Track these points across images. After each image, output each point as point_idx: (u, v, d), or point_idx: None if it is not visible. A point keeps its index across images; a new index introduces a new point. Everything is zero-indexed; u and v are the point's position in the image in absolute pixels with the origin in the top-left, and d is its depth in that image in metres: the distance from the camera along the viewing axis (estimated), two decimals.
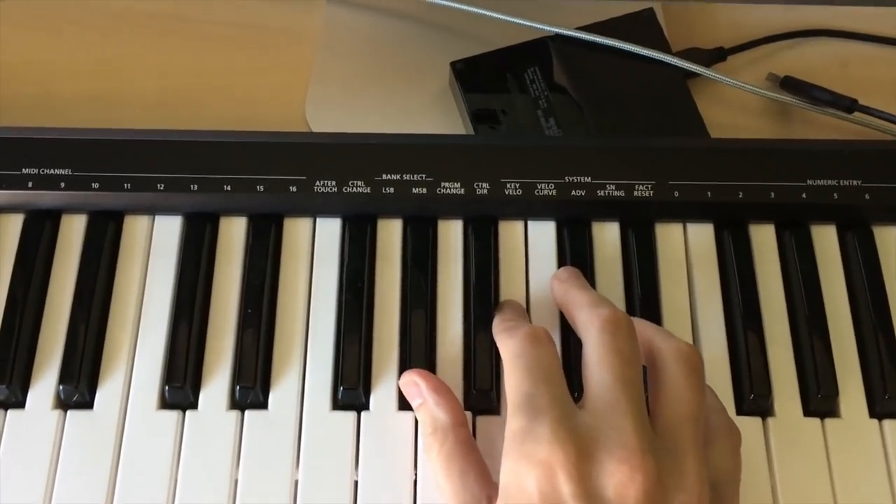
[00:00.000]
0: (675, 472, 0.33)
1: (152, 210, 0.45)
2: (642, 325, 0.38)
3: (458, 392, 0.42)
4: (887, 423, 0.41)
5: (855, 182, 0.44)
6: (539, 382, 0.35)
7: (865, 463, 0.40)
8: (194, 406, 0.42)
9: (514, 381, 0.36)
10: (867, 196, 0.44)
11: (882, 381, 0.42)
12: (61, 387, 0.41)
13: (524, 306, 0.44)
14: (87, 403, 0.42)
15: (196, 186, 0.44)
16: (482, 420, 0.41)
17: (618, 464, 0.33)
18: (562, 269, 0.43)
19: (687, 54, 0.52)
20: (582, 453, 0.33)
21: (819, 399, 0.41)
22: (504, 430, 0.35)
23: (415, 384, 0.40)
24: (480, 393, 0.41)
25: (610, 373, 0.35)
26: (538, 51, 0.52)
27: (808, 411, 0.42)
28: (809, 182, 0.44)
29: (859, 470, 0.40)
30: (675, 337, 0.38)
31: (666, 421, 0.35)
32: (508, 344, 0.37)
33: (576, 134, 0.50)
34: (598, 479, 0.33)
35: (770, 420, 0.41)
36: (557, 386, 0.36)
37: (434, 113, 0.53)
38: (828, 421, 0.41)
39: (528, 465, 0.33)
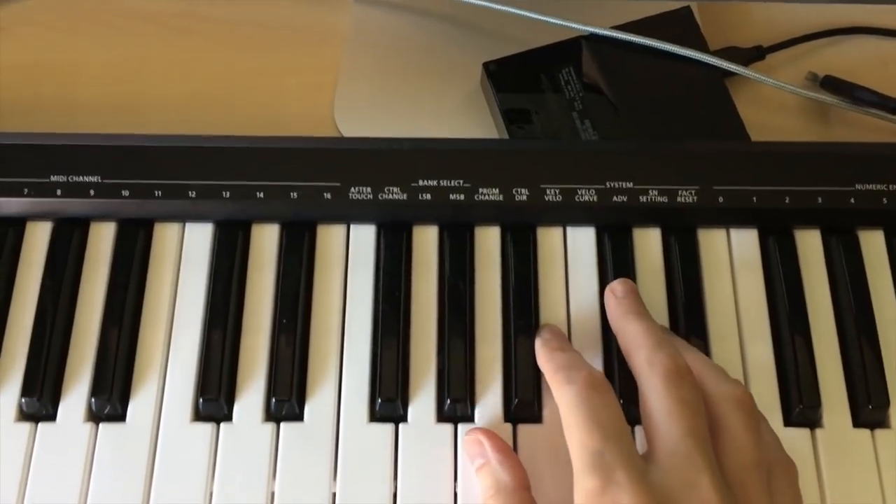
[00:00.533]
0: None
1: (183, 218, 0.44)
2: (692, 360, 0.38)
3: (498, 402, 0.41)
4: None
5: None
6: (607, 438, 0.34)
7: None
8: (229, 418, 0.41)
9: (578, 436, 0.35)
10: None
11: None
12: (93, 399, 0.41)
13: (565, 314, 0.42)
14: (120, 416, 0.41)
15: (228, 193, 0.43)
16: (523, 429, 0.40)
17: None
18: (618, 282, 0.41)
19: (725, 53, 0.51)
20: None
21: (870, 410, 0.40)
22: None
23: (479, 443, 0.39)
24: (522, 404, 0.40)
25: (679, 426, 0.34)
26: (572, 51, 0.51)
27: (857, 422, 0.41)
28: (858, 187, 0.43)
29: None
30: (726, 377, 0.37)
31: (731, 469, 0.35)
32: (567, 392, 0.36)
33: (612, 136, 0.48)
34: None
35: (818, 431, 0.40)
36: (626, 441, 0.34)
37: (465, 115, 0.52)
38: (878, 432, 0.40)
39: None
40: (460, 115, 0.52)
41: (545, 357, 0.40)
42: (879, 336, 0.42)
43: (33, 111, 0.52)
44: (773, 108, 0.52)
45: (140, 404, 0.41)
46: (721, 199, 0.43)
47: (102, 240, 0.44)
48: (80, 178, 0.43)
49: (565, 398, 0.36)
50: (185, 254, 0.44)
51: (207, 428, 0.40)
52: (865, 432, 0.40)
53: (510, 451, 0.39)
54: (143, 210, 0.44)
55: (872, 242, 0.44)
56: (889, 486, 0.39)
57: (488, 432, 0.39)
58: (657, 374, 0.36)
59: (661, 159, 0.43)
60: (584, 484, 0.34)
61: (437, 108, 0.52)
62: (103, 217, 0.44)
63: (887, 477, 0.40)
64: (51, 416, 0.41)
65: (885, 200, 0.43)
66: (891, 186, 0.43)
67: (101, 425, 0.41)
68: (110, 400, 0.40)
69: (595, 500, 0.33)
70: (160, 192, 0.43)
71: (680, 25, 0.52)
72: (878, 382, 0.41)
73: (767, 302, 0.43)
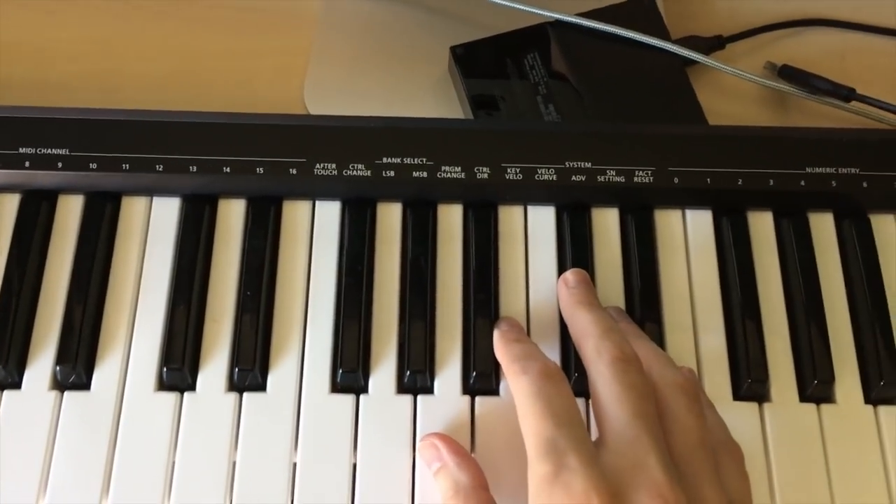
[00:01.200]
0: (698, 500, 0.34)
1: (150, 191, 0.45)
2: (640, 347, 0.39)
3: (457, 374, 0.42)
4: (882, 409, 0.42)
5: (853, 170, 0.44)
6: (560, 425, 0.35)
7: (860, 448, 0.41)
8: (192, 388, 0.42)
9: (532, 424, 0.36)
10: (865, 184, 0.44)
11: (878, 367, 0.42)
12: (58, 367, 0.41)
13: (524, 290, 0.44)
14: (85, 384, 0.41)
15: (195, 168, 0.44)
16: (482, 401, 0.41)
17: (651, 500, 0.33)
18: (571, 272, 0.42)
19: (686, 42, 0.52)
20: (616, 494, 0.33)
21: (815, 385, 0.41)
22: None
23: (434, 447, 0.39)
24: (481, 376, 0.41)
25: (627, 409, 0.35)
26: (538, 36, 0.52)
27: (804, 397, 0.42)
28: (808, 170, 0.44)
29: (854, 455, 0.41)
30: (671, 364, 0.38)
31: (678, 451, 0.36)
32: (522, 381, 0.37)
33: (575, 120, 0.50)
34: None
35: (766, 406, 0.42)
36: (578, 428, 0.35)
37: (433, 98, 0.53)
38: (823, 407, 0.42)
39: None
40: (428, 98, 0.53)
41: (502, 348, 0.40)
42: (826, 315, 0.43)
43: (6, 89, 0.52)
44: (732, 96, 0.53)
45: (105, 373, 0.42)
46: (676, 180, 0.44)
47: (70, 212, 0.44)
48: (49, 150, 0.43)
49: (520, 387, 0.37)
50: (151, 227, 0.44)
51: (171, 397, 0.41)
52: (811, 407, 0.42)
53: (465, 452, 0.39)
54: (110, 183, 0.44)
55: (822, 224, 0.45)
56: (833, 458, 0.41)
57: (443, 436, 0.40)
58: (604, 361, 0.37)
59: (619, 141, 0.45)
60: (537, 469, 0.34)
61: (405, 91, 0.53)
62: (71, 190, 0.45)
63: (832, 450, 0.41)
64: (16, 385, 0.41)
65: (833, 183, 0.44)
66: (840, 170, 0.44)
67: (65, 393, 0.41)
68: (75, 368, 0.41)
69: (548, 484, 0.34)
70: (128, 166, 0.43)
71: (643, 14, 0.53)
72: (823, 358, 0.42)
73: (720, 280, 0.44)
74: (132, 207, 0.45)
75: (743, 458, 0.38)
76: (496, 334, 0.41)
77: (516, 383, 0.37)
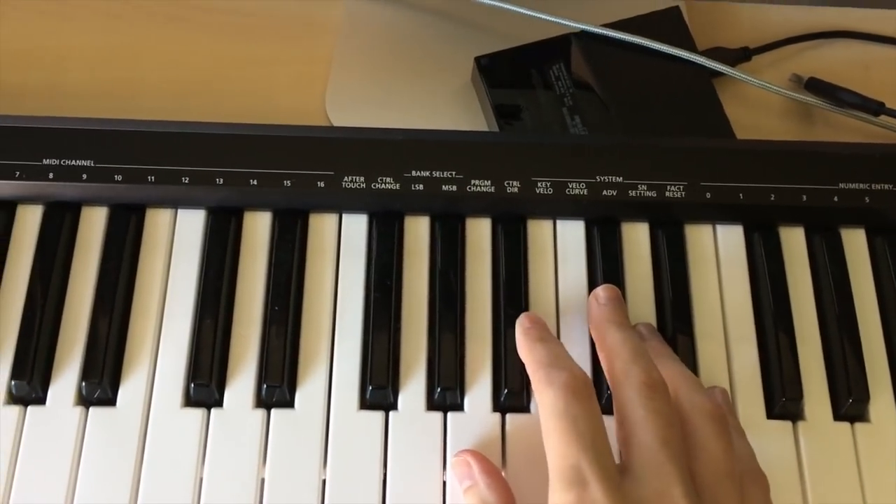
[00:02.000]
0: None
1: (175, 203, 0.44)
2: (670, 368, 0.38)
3: (488, 391, 0.41)
4: None
5: (887, 186, 0.44)
6: (585, 449, 0.34)
7: (895, 467, 0.40)
8: (219, 404, 0.41)
9: (556, 446, 0.35)
10: None
11: None
12: (83, 383, 0.41)
13: (554, 305, 0.43)
14: (110, 400, 0.41)
15: (222, 180, 0.43)
16: (512, 418, 0.41)
17: None
18: (602, 288, 0.42)
19: (712, 53, 0.52)
20: None
21: (850, 404, 0.41)
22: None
23: (467, 464, 0.39)
24: (511, 394, 0.41)
25: (653, 436, 0.35)
26: (563, 47, 0.52)
27: (838, 416, 0.42)
28: (842, 185, 0.44)
29: (889, 475, 0.40)
30: (700, 389, 0.38)
31: (704, 480, 0.35)
32: (548, 395, 0.36)
33: (601, 132, 0.49)
34: None
35: (800, 424, 0.41)
36: (603, 452, 0.35)
37: (456, 108, 0.52)
38: (858, 426, 0.41)
39: None
40: (451, 108, 0.52)
41: (527, 349, 0.39)
42: (861, 332, 0.43)
43: (23, 97, 0.52)
44: (758, 108, 0.53)
45: (130, 389, 0.41)
46: (708, 195, 0.44)
47: (94, 224, 0.44)
48: (73, 161, 0.43)
49: (546, 401, 0.36)
50: (177, 239, 0.44)
51: (198, 413, 0.41)
52: (846, 426, 0.41)
53: (497, 472, 0.39)
54: (135, 195, 0.44)
55: (855, 240, 0.45)
56: (867, 477, 0.40)
57: (476, 454, 0.39)
58: (632, 385, 0.36)
59: (650, 155, 0.44)
60: (559, 497, 0.34)
61: (427, 101, 0.53)
62: (95, 202, 0.44)
63: (866, 468, 0.41)
64: (41, 400, 0.41)
65: (867, 199, 0.44)
66: (873, 186, 0.44)
67: (91, 409, 0.41)
68: (100, 384, 0.40)
69: None
70: (153, 178, 0.43)
71: (669, 25, 0.53)
72: (858, 376, 0.42)
73: (752, 297, 0.44)
74: (157, 219, 0.44)
75: (769, 488, 0.37)
76: (518, 331, 0.40)
77: (541, 395, 0.37)
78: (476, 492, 0.38)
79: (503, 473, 0.40)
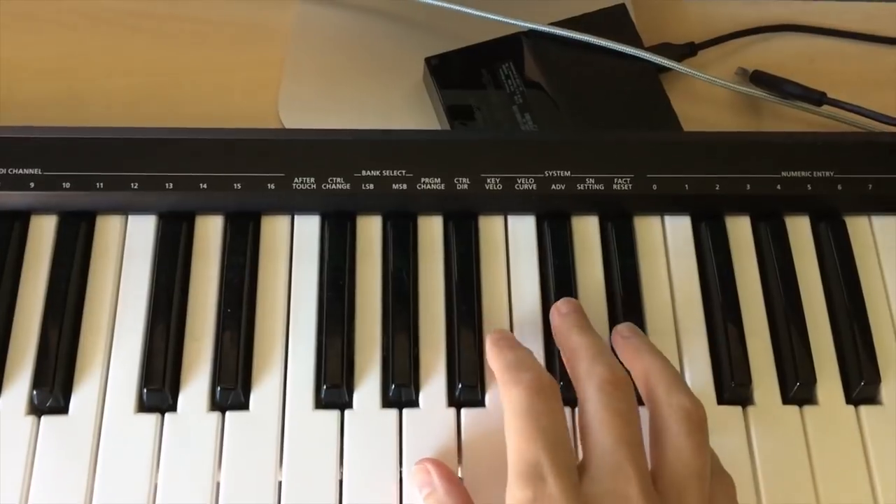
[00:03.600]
0: None
1: (125, 210, 0.44)
2: (647, 362, 0.38)
3: (442, 387, 0.42)
4: (863, 408, 0.42)
5: (828, 173, 0.44)
6: (545, 447, 0.34)
7: (844, 448, 0.41)
8: (173, 408, 0.41)
9: (517, 442, 0.35)
10: (840, 187, 0.44)
11: (858, 367, 0.42)
12: (34, 392, 0.40)
13: (506, 300, 0.43)
14: (62, 408, 0.41)
15: (171, 185, 0.43)
16: (468, 413, 0.41)
17: None
18: (562, 301, 0.42)
19: (658, 49, 0.53)
20: None
21: (798, 387, 0.42)
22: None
23: (426, 471, 0.39)
24: (466, 388, 0.41)
25: (611, 435, 0.35)
26: (512, 46, 0.53)
27: (786, 399, 0.42)
28: (784, 174, 0.44)
29: (838, 455, 0.41)
30: (677, 386, 0.37)
31: (670, 480, 0.35)
32: (513, 393, 0.36)
33: (551, 129, 0.50)
34: None
35: (750, 409, 0.42)
36: (564, 452, 0.35)
37: (409, 109, 0.53)
38: (806, 408, 0.42)
39: None
40: (404, 109, 0.53)
41: (495, 355, 0.39)
42: (806, 317, 0.43)
43: None
44: (705, 102, 0.54)
45: (83, 396, 0.41)
46: (655, 187, 0.44)
47: (43, 233, 0.44)
48: (20, 170, 0.43)
49: (510, 399, 0.36)
50: (128, 245, 0.44)
51: (152, 419, 0.40)
52: (794, 409, 0.42)
53: (457, 479, 0.39)
54: (84, 202, 0.43)
55: (799, 227, 0.46)
56: (817, 458, 0.41)
57: (436, 462, 0.39)
58: (593, 385, 0.36)
59: (598, 149, 0.45)
60: (516, 494, 0.34)
61: (380, 103, 0.53)
62: (44, 210, 0.44)
63: (815, 450, 0.41)
64: None
65: (809, 187, 0.44)
66: (815, 173, 0.45)
67: (42, 418, 0.40)
68: (52, 392, 0.40)
69: None
70: (102, 184, 0.43)
71: (616, 22, 0.53)
72: (804, 360, 0.42)
73: (700, 285, 0.44)
74: (107, 226, 0.44)
75: (735, 492, 0.37)
76: (489, 341, 0.40)
77: (507, 394, 0.37)
78: (435, 498, 0.38)
79: (459, 468, 0.40)
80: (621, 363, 0.38)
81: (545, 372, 0.37)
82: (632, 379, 0.38)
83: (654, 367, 0.38)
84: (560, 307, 0.42)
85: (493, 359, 0.40)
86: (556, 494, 0.33)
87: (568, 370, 0.39)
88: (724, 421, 0.41)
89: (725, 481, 0.37)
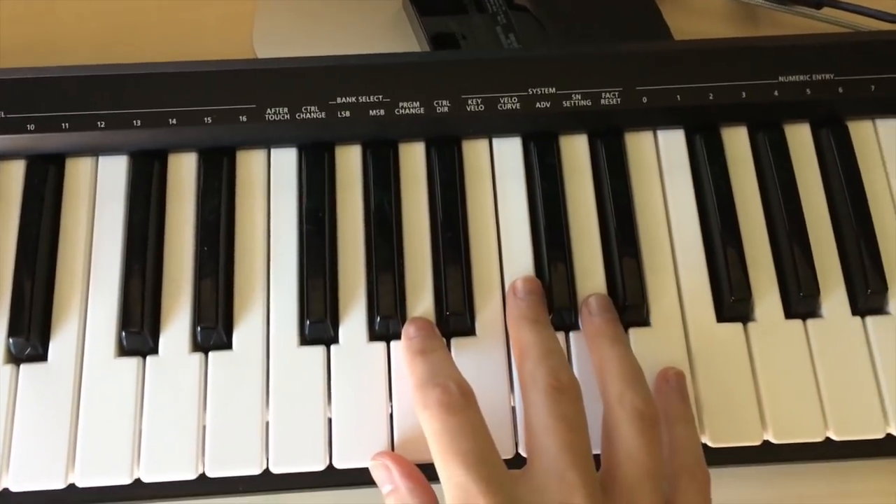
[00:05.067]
0: None
1: (95, 151, 0.43)
2: (604, 353, 0.37)
3: (430, 316, 0.40)
4: (870, 319, 0.40)
5: (828, 76, 0.42)
6: (468, 466, 0.33)
7: (850, 360, 0.40)
8: (154, 351, 0.40)
9: (442, 469, 0.34)
10: (840, 90, 0.42)
11: (863, 277, 0.41)
12: (11, 340, 0.39)
13: (494, 226, 0.42)
14: (41, 356, 0.40)
15: (139, 122, 0.41)
16: (456, 341, 0.40)
17: None
18: (522, 279, 0.40)
19: None
20: None
21: (801, 300, 0.40)
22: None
23: (386, 468, 0.37)
24: (455, 316, 0.40)
25: (555, 442, 0.34)
26: None
27: (789, 313, 0.41)
28: (781, 79, 0.42)
29: (845, 367, 0.39)
30: (632, 384, 0.36)
31: (621, 481, 0.34)
32: (424, 418, 0.35)
33: (537, 47, 0.47)
34: None
35: (751, 325, 0.40)
36: (489, 468, 0.33)
37: (389, 38, 0.51)
38: (810, 322, 0.40)
39: None
40: (384, 38, 0.51)
41: (407, 363, 0.38)
42: (808, 227, 0.42)
43: None
44: (700, 14, 0.52)
45: (61, 342, 0.40)
46: (645, 100, 0.42)
47: (12, 178, 0.42)
48: None
49: (424, 423, 0.35)
50: (99, 187, 0.42)
51: (133, 362, 0.39)
52: (798, 323, 0.40)
53: (419, 476, 0.37)
54: (52, 144, 0.42)
55: (799, 135, 0.44)
56: (822, 372, 0.39)
57: (396, 456, 0.38)
58: (537, 389, 0.35)
59: (583, 63, 0.43)
60: None
61: (359, 33, 0.51)
62: (11, 155, 0.42)
63: (820, 364, 0.40)
64: None
65: (808, 91, 0.42)
66: (813, 76, 0.42)
67: (21, 366, 0.39)
68: (29, 340, 0.39)
69: None
70: (68, 125, 0.41)
71: None
72: (807, 272, 0.40)
73: (696, 201, 0.42)
74: (77, 168, 0.43)
75: (708, 482, 0.36)
76: (403, 341, 0.39)
77: (420, 418, 0.35)
78: (398, 497, 0.36)
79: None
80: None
81: (454, 381, 0.35)
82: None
83: (609, 359, 0.37)
84: (517, 287, 0.40)
85: (407, 369, 0.38)
86: None
87: (514, 364, 0.38)
88: (724, 339, 0.40)
89: (698, 475, 0.36)
